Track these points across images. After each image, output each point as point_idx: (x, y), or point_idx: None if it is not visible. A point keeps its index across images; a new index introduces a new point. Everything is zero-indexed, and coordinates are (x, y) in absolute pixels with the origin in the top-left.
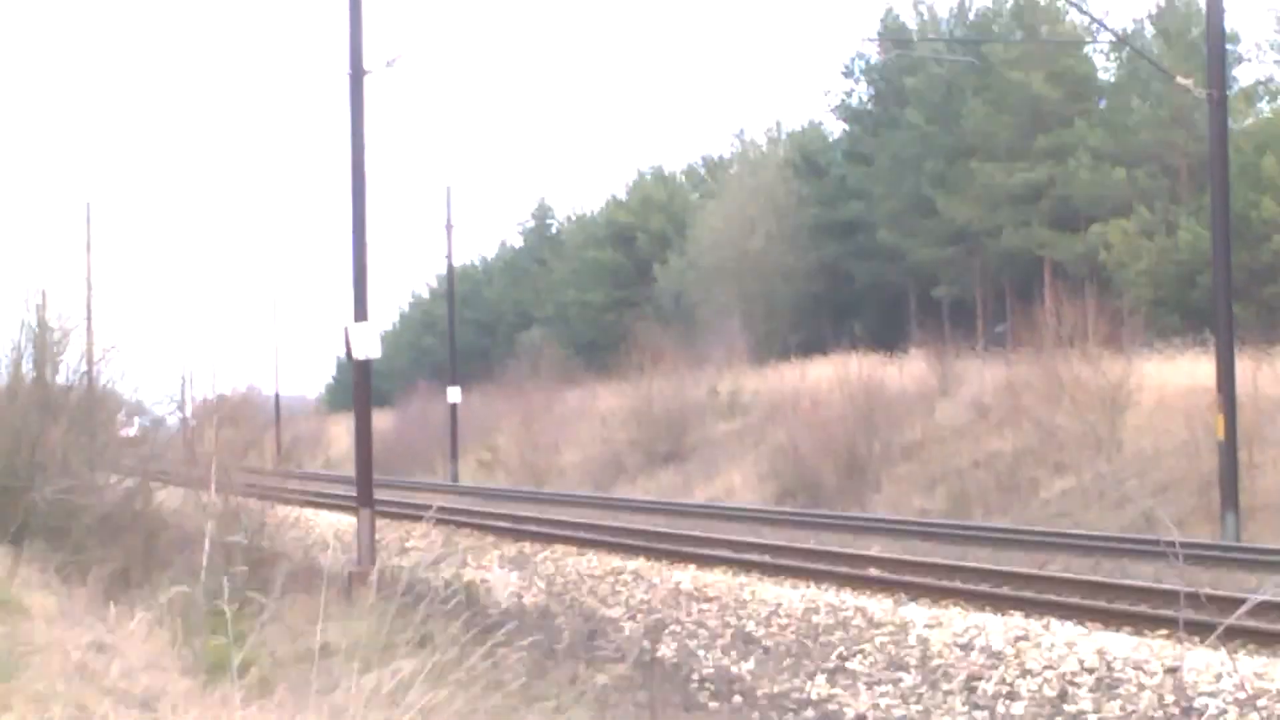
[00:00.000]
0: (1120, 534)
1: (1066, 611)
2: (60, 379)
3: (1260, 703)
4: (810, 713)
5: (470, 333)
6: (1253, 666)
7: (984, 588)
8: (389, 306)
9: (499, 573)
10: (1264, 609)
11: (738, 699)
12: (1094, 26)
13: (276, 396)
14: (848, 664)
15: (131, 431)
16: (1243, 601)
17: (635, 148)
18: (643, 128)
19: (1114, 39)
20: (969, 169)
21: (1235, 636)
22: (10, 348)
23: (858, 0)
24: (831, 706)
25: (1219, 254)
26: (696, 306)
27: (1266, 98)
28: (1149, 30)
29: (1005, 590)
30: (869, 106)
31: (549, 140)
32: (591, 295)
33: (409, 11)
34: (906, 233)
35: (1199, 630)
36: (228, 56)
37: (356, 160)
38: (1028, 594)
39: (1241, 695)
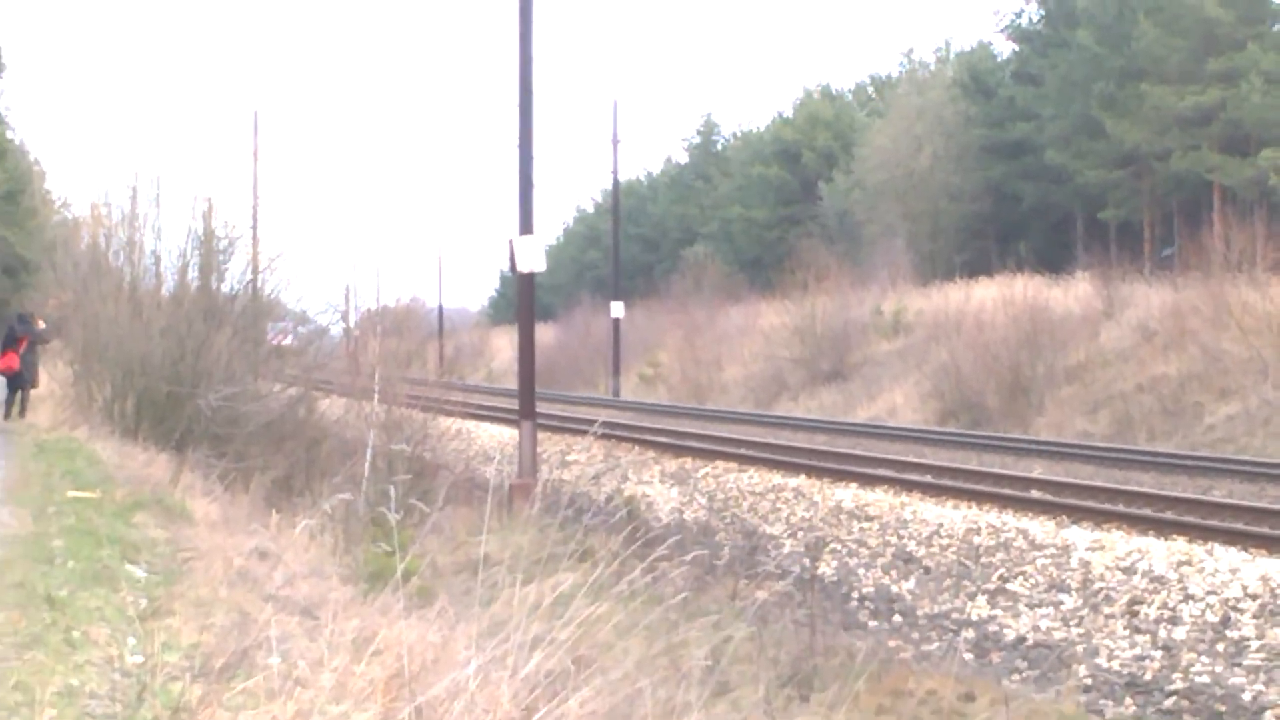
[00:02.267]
0: None
1: (1230, 537)
2: (226, 287)
3: None
4: (970, 633)
5: (634, 248)
6: None
7: (1147, 512)
8: (553, 220)
9: (660, 488)
10: None
11: (897, 618)
12: None
13: (440, 308)
14: (1008, 585)
15: (288, 340)
16: None
17: (802, 66)
18: (810, 45)
19: None
20: (1139, 91)
21: None
22: (177, 255)
23: None
24: (992, 627)
25: None
26: (861, 225)
27: None
28: None
29: (1168, 515)
30: (1039, 27)
31: (716, 56)
32: (756, 212)
33: None
34: (1074, 154)
35: None
36: None
37: (524, 72)
38: (1191, 519)
39: None
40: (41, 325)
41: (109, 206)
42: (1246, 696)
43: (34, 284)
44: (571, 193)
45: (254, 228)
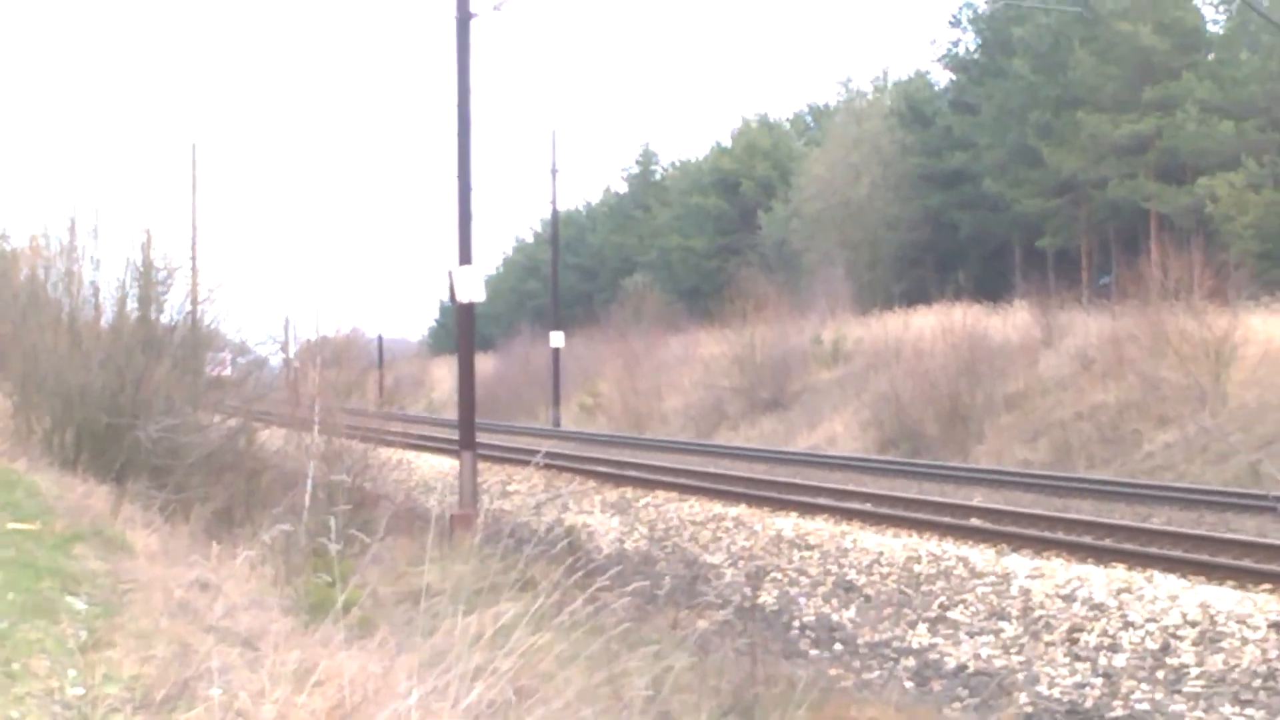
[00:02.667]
0: (1224, 488)
1: (1169, 564)
2: (165, 318)
3: None
4: (911, 661)
5: (573, 277)
6: None
7: (1087, 539)
8: (493, 250)
9: (601, 518)
10: None
11: (838, 646)
12: None
13: (380, 338)
14: (949, 613)
15: (227, 371)
16: None
17: (740, 95)
18: (748, 75)
19: None
20: (1075, 120)
21: None
22: (115, 286)
23: None
24: (932, 655)
25: None
26: (800, 254)
27: None
28: None
29: (1108, 542)
30: (975, 56)
31: (654, 86)
32: (695, 241)
33: None
34: (1011, 183)
35: None
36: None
37: (462, 104)
38: (1130, 546)
39: None
40: None
41: (47, 238)
42: None
43: None
44: (510, 223)
45: (193, 259)
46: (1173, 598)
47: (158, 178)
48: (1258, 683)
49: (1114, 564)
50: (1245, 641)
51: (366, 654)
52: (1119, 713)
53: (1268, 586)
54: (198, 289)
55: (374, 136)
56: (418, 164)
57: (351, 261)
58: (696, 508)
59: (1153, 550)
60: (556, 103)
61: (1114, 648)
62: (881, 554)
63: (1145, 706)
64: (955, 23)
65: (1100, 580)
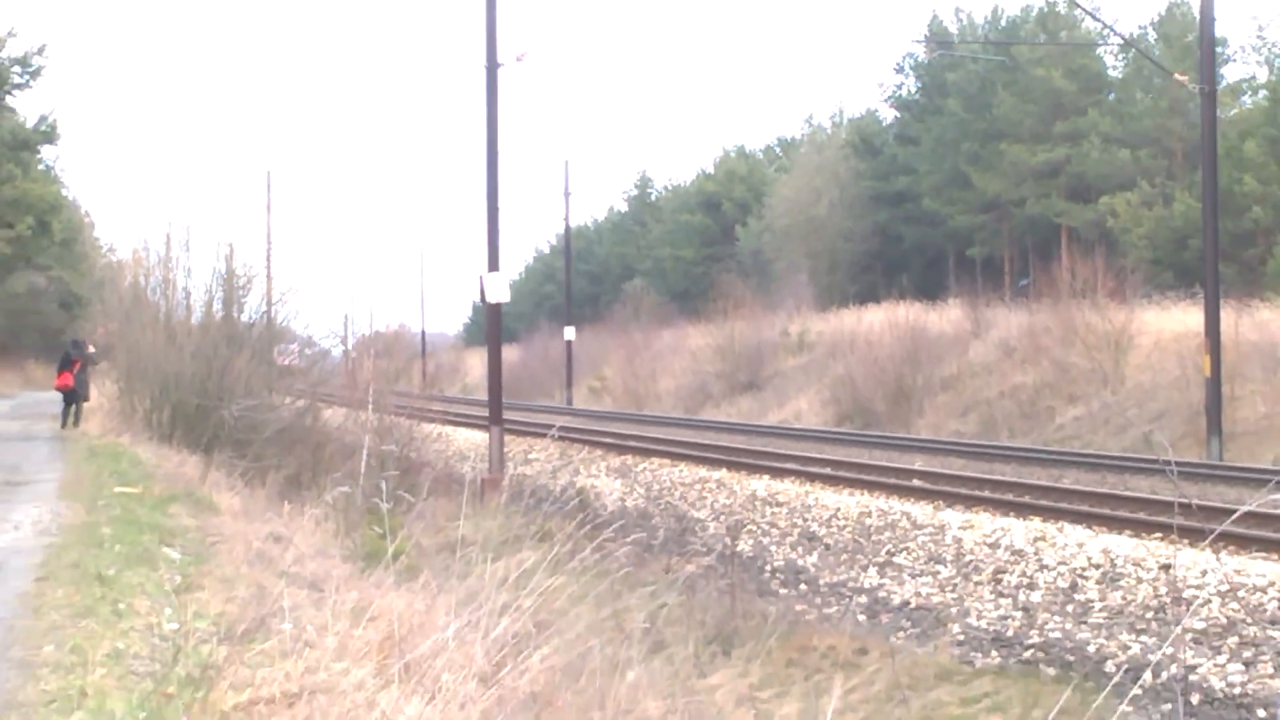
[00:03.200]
0: (1122, 454)
1: (1077, 517)
2: (244, 317)
3: (1240, 594)
4: (863, 598)
5: (582, 282)
6: (1233, 564)
7: (1009, 497)
8: (516, 258)
9: (606, 481)
10: (1243, 517)
11: (803, 586)
12: (1105, 31)
13: (423, 333)
14: (895, 559)
15: (295, 360)
16: (1225, 511)
17: (721, 129)
18: (728, 112)
19: (1122, 41)
20: (999, 149)
21: (1220, 541)
22: (204, 291)
23: (908, 7)
24: (881, 593)
25: (1208, 222)
26: (771, 262)
27: (1249, 92)
28: (1151, 35)
29: (1026, 499)
30: (916, 97)
31: (650, 121)
32: (684, 252)
33: (535, 12)
34: (946, 202)
35: (1189, 534)
36: (386, 49)
37: (491, 139)
38: (1045, 502)
39: (1224, 588)
40: (91, 350)
41: (147, 251)
42: (1091, 649)
43: (85, 315)
44: (531, 236)
45: (268, 267)
46: (1080, 545)
47: (239, 198)
48: (1150, 614)
49: (1031, 517)
50: (1140, 580)
51: (412, 594)
52: (1035, 640)
53: (1159, 535)
54: (271, 292)
55: (418, 159)
56: (457, 181)
57: (399, 267)
58: (685, 472)
59: (1063, 506)
60: (569, 136)
61: (1031, 586)
62: (839, 509)
63: (1058, 634)
64: (899, 69)
65: (1020, 530)
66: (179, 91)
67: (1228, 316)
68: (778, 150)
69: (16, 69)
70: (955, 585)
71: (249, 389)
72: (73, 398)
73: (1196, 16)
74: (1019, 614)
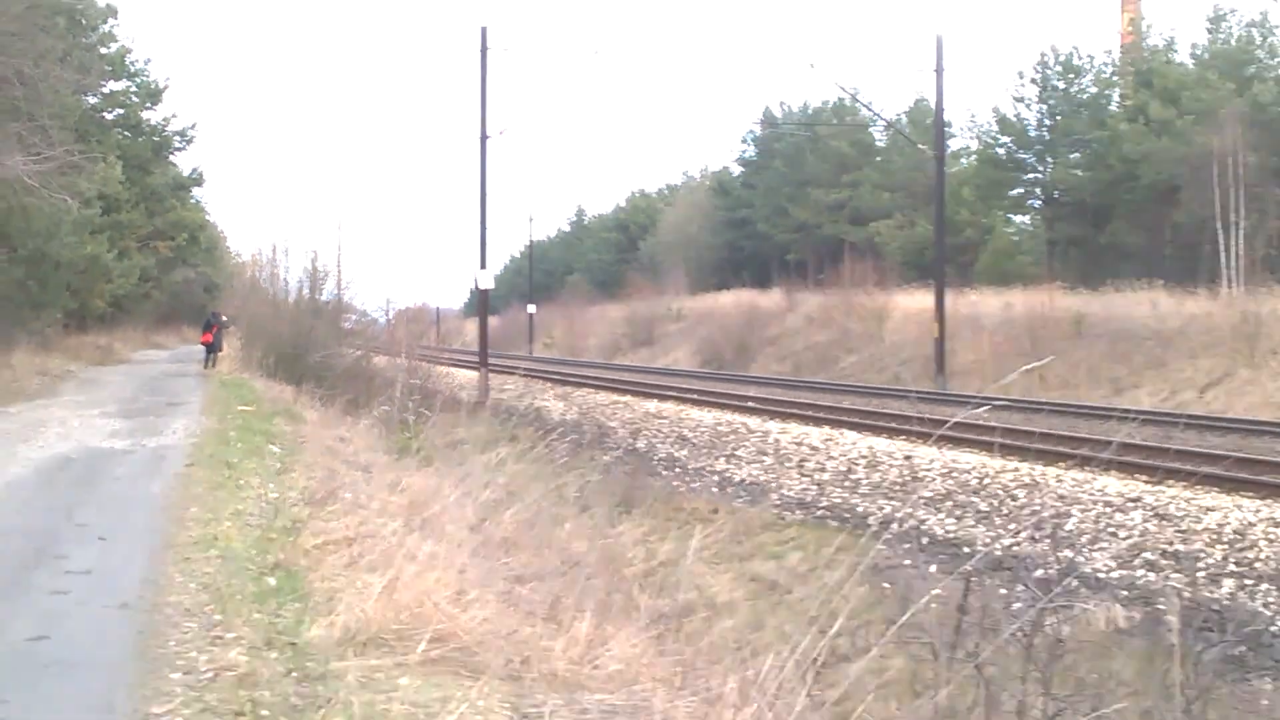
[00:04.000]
0: (882, 386)
1: (853, 426)
2: (322, 298)
3: (953, 474)
4: (715, 478)
5: (540, 275)
6: (950, 455)
7: (809, 413)
8: (499, 256)
9: (553, 402)
10: (955, 426)
11: (678, 469)
12: (874, 117)
13: (437, 309)
14: (737, 452)
15: (354, 325)
16: (944, 421)
17: (630, 178)
18: (635, 166)
19: (885, 123)
20: (806, 192)
21: (941, 441)
22: (297, 281)
23: (751, 99)
24: (727, 475)
25: (938, 238)
26: (661, 263)
27: (965, 156)
28: (904, 119)
29: (821, 415)
30: (754, 158)
31: (585, 171)
32: (605, 256)
33: (513, 97)
34: (773, 226)
35: (923, 436)
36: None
37: (482, 187)
38: (832, 416)
39: (943, 471)
40: (224, 318)
41: (260, 254)
42: (860, 509)
43: (220, 296)
44: (510, 241)
45: (338, 265)
46: (854, 443)
47: (321, 219)
48: (898, 488)
49: (823, 425)
50: (891, 466)
51: (427, 475)
52: (825, 503)
53: (904, 437)
54: (340, 281)
55: (441, 185)
56: (465, 201)
57: (425, 260)
58: (603, 397)
59: (844, 419)
60: (534, 181)
61: (822, 470)
62: (701, 421)
63: (839, 500)
64: (744, 140)
65: (816, 434)
66: (285, 149)
67: (950, 299)
68: (666, 191)
69: (178, 139)
70: (774, 469)
71: (324, 344)
72: (212, 349)
73: (933, 108)
74: (814, 487)
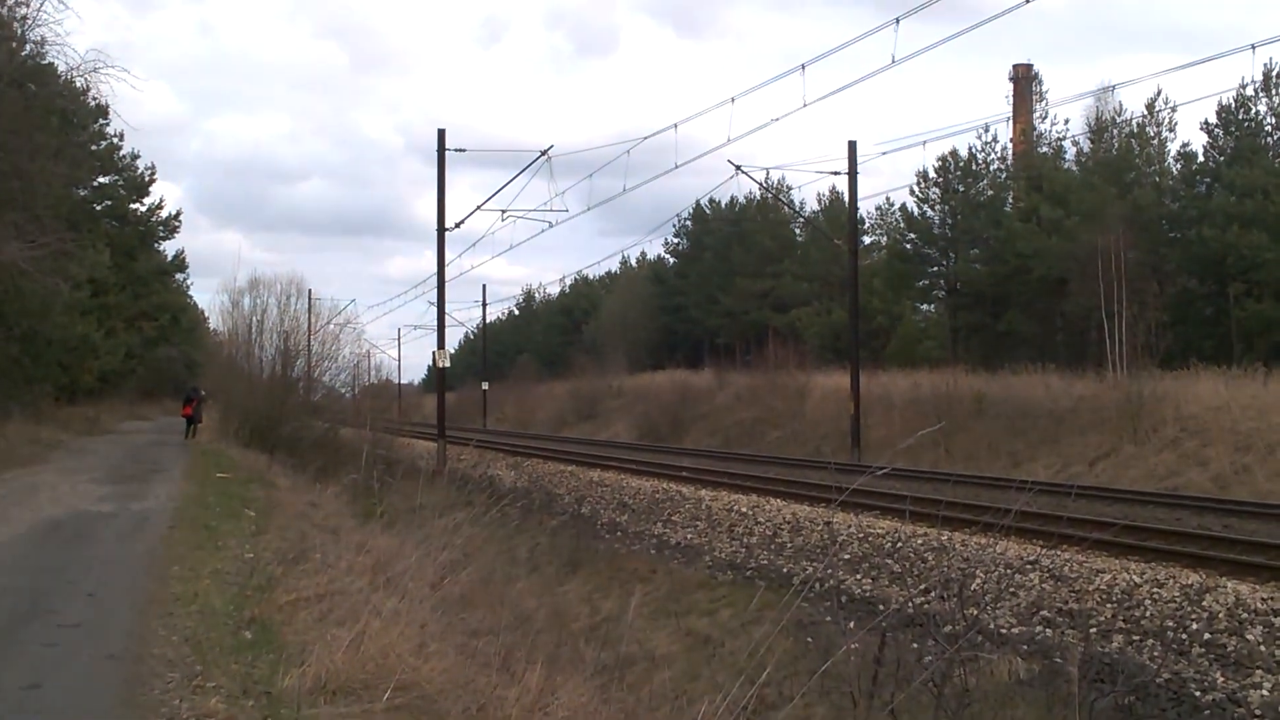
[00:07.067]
0: (803, 458)
1: (778, 494)
2: (293, 374)
3: (869, 538)
4: (654, 540)
5: (494, 354)
6: (866, 520)
7: (738, 482)
8: (454, 335)
9: (505, 471)
10: (872, 495)
11: (619, 533)
12: (795, 215)
13: (399, 385)
14: (672, 518)
15: (322, 399)
16: (860, 491)
17: (573, 264)
18: (577, 255)
19: (804, 219)
20: (734, 281)
21: (853, 508)
22: (270, 360)
23: (686, 195)
24: (664, 538)
25: (852, 324)
26: (602, 345)
27: (876, 251)
28: (822, 215)
29: (747, 484)
30: (687, 249)
31: (533, 260)
32: (553, 338)
33: (467, 191)
34: (705, 311)
35: (841, 505)
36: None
37: (440, 280)
38: (759, 485)
39: (860, 535)
40: (203, 392)
41: (236, 334)
42: (785, 570)
43: (201, 372)
44: (463, 320)
45: (308, 346)
46: (779, 510)
47: (292, 302)
48: (819, 551)
49: (751, 494)
50: (812, 531)
51: (390, 537)
52: (753, 565)
53: (823, 504)
54: (310, 361)
55: (399, 272)
56: (426, 285)
57: (389, 345)
58: (551, 466)
59: (769, 487)
60: (489, 268)
61: (750, 534)
62: (640, 489)
63: (766, 562)
64: (677, 233)
65: (745, 501)
66: (259, 236)
67: (863, 379)
68: (606, 279)
69: (161, 229)
70: (707, 533)
71: (296, 416)
72: (192, 421)
73: (846, 206)
74: (743, 550)
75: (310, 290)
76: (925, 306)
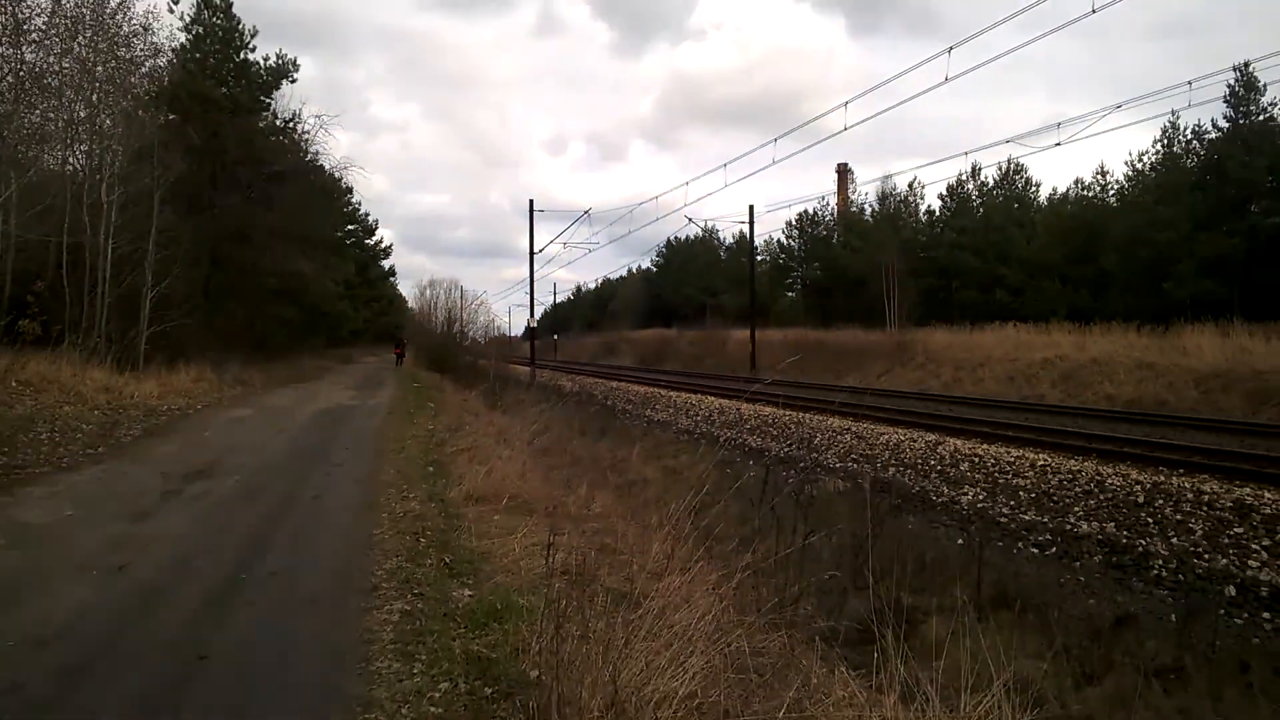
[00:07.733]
0: (725, 374)
1: (712, 393)
2: (455, 329)
3: (759, 415)
4: (644, 419)
5: (560, 320)
6: (758, 408)
7: (691, 387)
8: (540, 308)
9: (566, 382)
10: (760, 393)
11: (627, 415)
12: (720, 245)
13: (510, 335)
14: (655, 407)
15: (470, 343)
16: (759, 394)
17: (603, 271)
18: (604, 268)
19: (726, 247)
20: (689, 279)
21: (751, 401)
22: (441, 321)
23: (662, 233)
24: (651, 418)
25: (751, 303)
26: (618, 315)
27: (764, 264)
28: (734, 244)
29: (697, 388)
30: (663, 263)
31: (581, 264)
32: (591, 311)
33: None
34: (674, 296)
35: (745, 399)
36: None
37: (531, 283)
38: (702, 389)
39: (754, 415)
40: (405, 341)
41: (424, 311)
42: (716, 435)
43: (404, 331)
44: (542, 304)
45: (461, 317)
46: (713, 403)
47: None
48: (734, 424)
49: (697, 393)
50: (730, 414)
51: (505, 419)
52: (698, 431)
53: (735, 399)
54: (463, 323)
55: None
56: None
57: (508, 312)
58: (590, 380)
59: (707, 390)
60: (557, 271)
61: (697, 415)
62: (638, 392)
63: (705, 430)
64: (658, 253)
65: (694, 399)
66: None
67: (758, 333)
68: (620, 279)
69: (382, 254)
70: (674, 416)
71: (455, 354)
72: (400, 358)
73: (748, 240)
74: (693, 424)
75: (461, 286)
76: (790, 294)
